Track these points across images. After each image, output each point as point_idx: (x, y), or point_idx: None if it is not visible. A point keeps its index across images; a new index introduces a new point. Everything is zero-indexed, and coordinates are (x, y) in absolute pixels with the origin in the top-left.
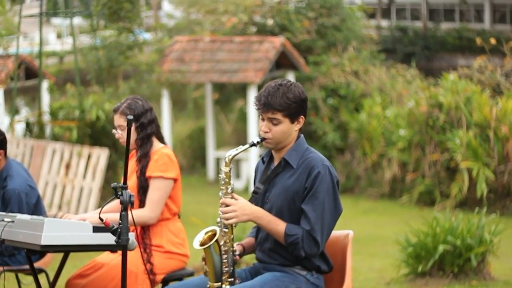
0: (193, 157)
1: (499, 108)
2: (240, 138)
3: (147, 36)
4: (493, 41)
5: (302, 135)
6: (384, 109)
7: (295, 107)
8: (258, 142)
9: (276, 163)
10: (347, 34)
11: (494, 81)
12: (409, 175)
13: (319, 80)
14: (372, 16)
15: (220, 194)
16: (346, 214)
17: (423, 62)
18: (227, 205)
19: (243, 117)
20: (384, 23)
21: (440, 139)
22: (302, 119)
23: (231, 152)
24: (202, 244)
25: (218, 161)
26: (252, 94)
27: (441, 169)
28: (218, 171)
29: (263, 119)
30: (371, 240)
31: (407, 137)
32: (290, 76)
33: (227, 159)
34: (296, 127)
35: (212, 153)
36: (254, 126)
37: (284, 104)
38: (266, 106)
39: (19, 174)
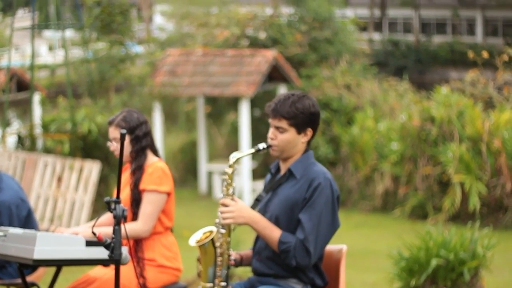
0: (185, 170)
1: (491, 121)
2: (233, 151)
3: (139, 48)
4: (485, 54)
5: (311, 151)
6: (376, 122)
7: (302, 118)
8: (264, 148)
9: (282, 173)
10: (340, 47)
11: (486, 95)
12: (402, 188)
13: (311, 94)
14: (364, 29)
15: (221, 194)
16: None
17: (415, 75)
18: (226, 206)
19: (235, 130)
20: (376, 36)
21: (432, 152)
22: (309, 132)
23: (236, 154)
24: (198, 242)
25: (210, 174)
26: (244, 107)
27: (434, 183)
28: (210, 184)
29: (271, 127)
30: (364, 254)
31: (400, 151)
32: (282, 89)
33: (231, 161)
34: (303, 139)
35: (204, 166)
36: (247, 139)
37: (291, 112)
38: (274, 112)
39: (10, 187)
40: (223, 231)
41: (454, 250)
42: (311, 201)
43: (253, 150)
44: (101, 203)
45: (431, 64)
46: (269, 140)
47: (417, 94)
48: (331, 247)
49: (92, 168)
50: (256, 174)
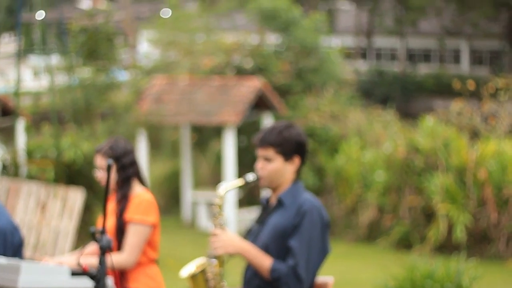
0: (170, 199)
1: (477, 152)
2: (218, 180)
3: (125, 75)
4: (471, 85)
5: (300, 180)
6: (361, 152)
7: (289, 145)
8: (252, 180)
9: (271, 203)
10: (325, 76)
11: (472, 125)
12: (387, 218)
13: (296, 122)
14: (350, 57)
15: (212, 225)
16: None
17: (401, 105)
18: (216, 236)
19: (220, 159)
20: (362, 65)
21: (418, 182)
22: (297, 161)
23: (225, 185)
24: (190, 275)
25: (194, 203)
26: (229, 136)
27: (419, 213)
28: (194, 213)
29: (259, 157)
30: (349, 285)
31: (385, 181)
32: (268, 118)
33: (220, 192)
34: (291, 167)
35: (188, 195)
36: (232, 169)
37: (278, 140)
38: (261, 142)
39: (3, 214)
40: (214, 262)
41: (440, 281)
42: (300, 228)
43: (242, 182)
44: (86, 231)
45: (416, 94)
46: (257, 171)
47: (403, 123)
48: (317, 279)
49: (77, 196)
50: (242, 203)
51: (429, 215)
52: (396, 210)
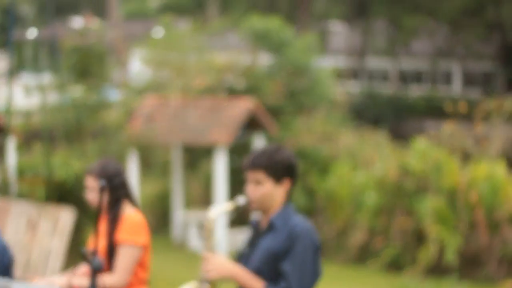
0: (161, 219)
1: (468, 174)
2: (208, 200)
3: (117, 94)
4: (463, 106)
5: (291, 203)
6: (352, 173)
7: (279, 168)
8: (242, 204)
9: (263, 226)
10: (317, 97)
11: (463, 147)
12: (378, 240)
13: (288, 143)
14: (342, 78)
15: (202, 248)
16: None
17: (392, 126)
18: (208, 260)
19: (211, 179)
20: (354, 86)
21: (409, 204)
22: (287, 183)
23: (215, 210)
24: None
25: (185, 223)
26: (221, 156)
27: (410, 235)
28: (185, 233)
29: (249, 181)
30: None
31: (376, 202)
32: (260, 138)
33: (211, 216)
34: (282, 190)
35: (179, 215)
36: (223, 188)
37: (267, 162)
38: (251, 165)
39: None
40: (206, 286)
41: None
42: (292, 251)
43: (232, 206)
44: (77, 251)
45: (408, 115)
46: (247, 195)
47: (394, 145)
48: None
49: (67, 216)
50: (233, 223)
51: (420, 237)
52: (387, 232)
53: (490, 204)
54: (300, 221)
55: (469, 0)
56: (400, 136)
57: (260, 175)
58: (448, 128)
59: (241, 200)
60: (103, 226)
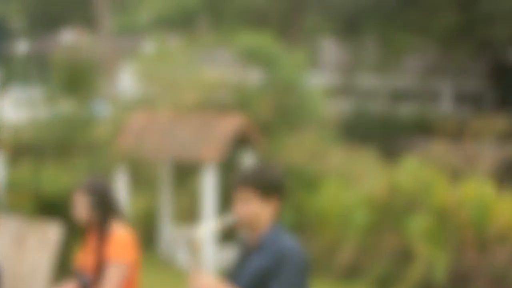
0: (148, 235)
1: (458, 193)
2: (197, 217)
3: (106, 109)
4: (453, 125)
5: (279, 221)
6: (342, 191)
7: (267, 186)
8: (230, 222)
9: (251, 244)
10: (307, 114)
11: (453, 166)
12: (366, 258)
13: (277, 160)
14: (332, 95)
15: (189, 269)
16: None
17: (382, 143)
18: (195, 279)
19: (198, 195)
20: (344, 102)
21: (398, 223)
22: (276, 201)
23: (203, 228)
24: None
25: (173, 240)
26: (210, 173)
27: (399, 254)
28: (173, 250)
29: (237, 199)
30: None
31: (365, 220)
32: (249, 155)
33: (197, 235)
34: (269, 208)
35: (166, 232)
36: (211, 205)
37: (256, 180)
38: (238, 183)
39: None
40: None
41: None
42: (281, 272)
43: (220, 225)
44: (64, 267)
45: (398, 132)
46: (235, 213)
47: (384, 162)
48: None
49: (55, 231)
50: (221, 239)
51: (408, 256)
52: (375, 250)
53: (480, 223)
54: (288, 241)
55: (460, 18)
56: (390, 153)
57: (249, 193)
58: (438, 146)
59: (228, 218)
60: (91, 242)
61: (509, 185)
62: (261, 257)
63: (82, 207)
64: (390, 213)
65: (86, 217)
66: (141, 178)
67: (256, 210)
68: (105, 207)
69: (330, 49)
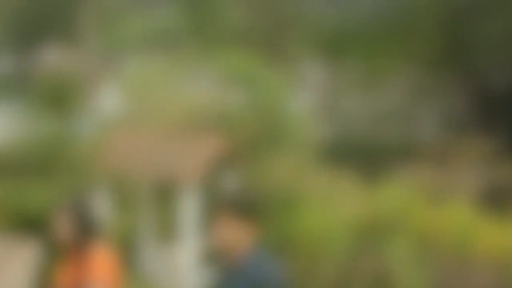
0: (129, 254)
1: (439, 217)
2: (176, 238)
3: (88, 126)
4: (436, 148)
5: (259, 244)
6: (323, 213)
7: (245, 209)
8: (210, 244)
9: (230, 268)
10: (290, 136)
11: (435, 189)
12: (347, 281)
13: (259, 181)
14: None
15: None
16: None
17: (365, 166)
18: None
19: (177, 214)
20: (328, 125)
21: (379, 246)
22: (253, 223)
23: (182, 250)
24: None
25: (153, 260)
26: (190, 193)
27: (379, 277)
28: (153, 269)
29: (215, 223)
30: None
31: (345, 243)
32: (230, 174)
33: (177, 257)
34: (248, 231)
35: (148, 251)
36: (190, 225)
37: (234, 202)
38: (218, 205)
39: None
40: None
41: None
42: None
43: (200, 246)
44: (42, 286)
45: (381, 155)
46: (214, 236)
47: (366, 185)
48: None
49: (34, 251)
50: (202, 262)
51: (389, 280)
52: (355, 273)
53: (461, 248)
54: (268, 265)
55: (445, 43)
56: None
57: (228, 217)
58: (420, 170)
59: (208, 240)
60: (71, 262)
61: (493, 209)
62: (241, 281)
63: (63, 227)
64: (370, 237)
65: (67, 236)
66: (123, 197)
67: (235, 234)
68: (86, 227)
69: (313, 71)
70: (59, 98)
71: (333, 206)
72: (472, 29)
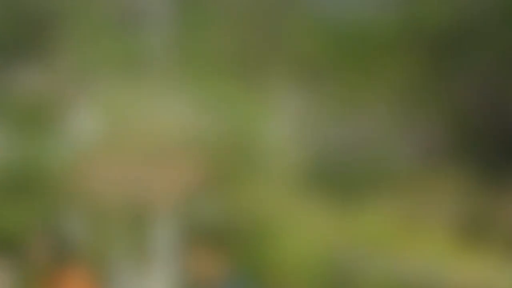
0: (105, 278)
1: (415, 247)
2: (150, 261)
3: (63, 149)
4: (412, 178)
5: (236, 276)
6: (300, 242)
7: (219, 235)
8: (184, 277)
9: None
10: (268, 163)
11: (411, 219)
12: None
13: (232, 209)
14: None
15: None
16: None
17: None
18: None
19: (152, 240)
20: (303, 154)
21: (352, 275)
22: (228, 252)
23: (156, 282)
24: None
25: (130, 283)
26: (165, 217)
27: None
28: None
29: (190, 254)
30: None
31: (319, 272)
32: (206, 201)
33: None
34: (222, 258)
35: (123, 275)
36: (165, 250)
37: (208, 229)
38: (192, 233)
39: None
40: None
41: None
42: None
43: (174, 284)
44: None
45: (358, 183)
46: (187, 266)
47: (342, 214)
48: None
49: (7, 273)
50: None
51: None
52: None
53: (436, 279)
54: None
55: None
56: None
57: (203, 245)
58: (394, 199)
59: (183, 268)
60: (45, 286)
61: (470, 240)
62: None
63: (36, 250)
64: (346, 264)
65: (41, 260)
66: (98, 221)
67: (210, 262)
68: (60, 251)
69: (291, 97)
70: (33, 119)
71: (309, 234)
72: (456, 60)
